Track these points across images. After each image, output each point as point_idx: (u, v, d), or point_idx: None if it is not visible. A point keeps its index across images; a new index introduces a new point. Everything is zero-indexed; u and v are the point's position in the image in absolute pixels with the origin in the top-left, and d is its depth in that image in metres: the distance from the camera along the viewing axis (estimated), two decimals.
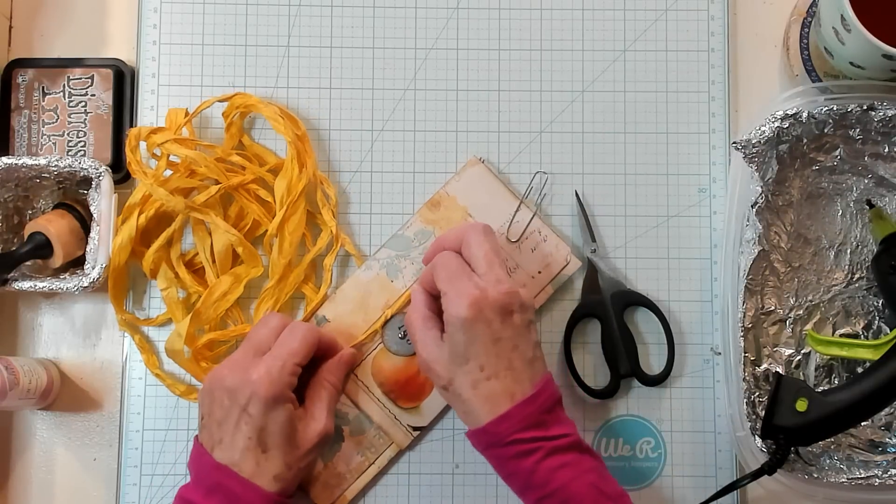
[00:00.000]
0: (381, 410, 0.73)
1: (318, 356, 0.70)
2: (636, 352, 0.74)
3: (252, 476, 0.63)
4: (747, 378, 0.72)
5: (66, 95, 0.76)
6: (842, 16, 0.67)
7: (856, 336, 0.74)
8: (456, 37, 0.78)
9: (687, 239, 0.76)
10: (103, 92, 0.76)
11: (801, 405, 0.67)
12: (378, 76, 0.77)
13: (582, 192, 0.76)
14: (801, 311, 0.74)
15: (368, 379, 0.74)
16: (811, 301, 0.75)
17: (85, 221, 0.73)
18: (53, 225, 0.71)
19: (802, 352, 0.74)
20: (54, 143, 0.76)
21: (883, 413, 0.72)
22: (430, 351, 0.65)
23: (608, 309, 0.74)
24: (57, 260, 0.72)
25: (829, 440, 0.72)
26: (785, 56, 0.78)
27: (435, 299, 0.67)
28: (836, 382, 0.74)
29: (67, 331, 0.76)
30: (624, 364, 0.74)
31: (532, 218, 0.75)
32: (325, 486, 0.72)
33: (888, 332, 0.73)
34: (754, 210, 0.71)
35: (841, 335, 0.74)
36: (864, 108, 0.71)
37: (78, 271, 0.73)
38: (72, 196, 0.75)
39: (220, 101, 0.75)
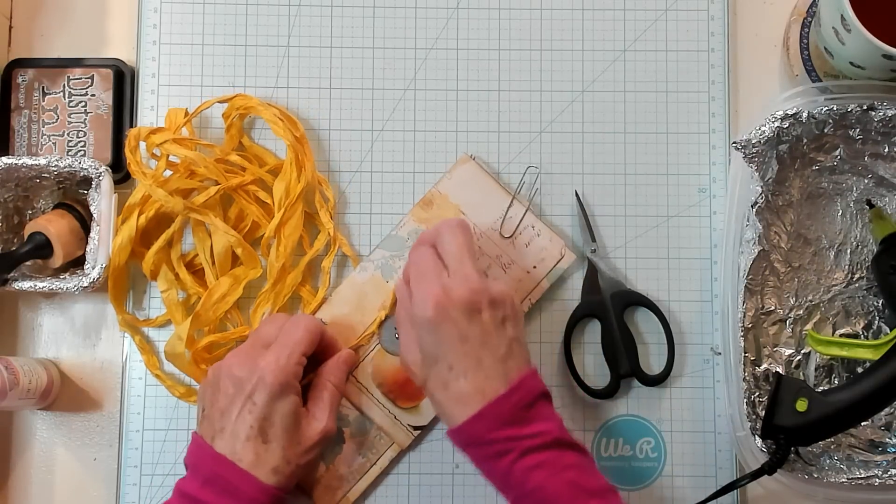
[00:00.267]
0: (381, 411, 0.73)
1: (319, 357, 0.70)
2: (636, 352, 0.74)
3: (251, 467, 0.63)
4: (747, 378, 0.72)
5: (66, 95, 0.76)
6: (842, 16, 0.67)
7: (856, 336, 0.74)
8: (456, 37, 0.78)
9: (687, 239, 0.76)
10: (103, 92, 0.76)
11: (801, 405, 0.67)
12: (378, 76, 0.77)
13: (582, 192, 0.76)
14: (801, 311, 0.74)
15: (367, 380, 0.74)
16: (811, 301, 0.75)
17: (85, 221, 0.73)
18: (53, 225, 0.71)
19: (802, 352, 0.74)
20: (54, 143, 0.76)
21: (883, 413, 0.72)
22: (409, 352, 0.65)
23: (608, 309, 0.74)
24: (57, 260, 0.72)
25: (829, 440, 0.72)
26: (785, 56, 0.78)
27: None
28: (836, 382, 0.74)
29: (67, 331, 0.76)
30: (624, 364, 0.74)
31: (525, 213, 0.75)
32: (327, 489, 0.72)
33: (888, 332, 0.73)
34: (754, 210, 0.71)
35: (841, 335, 0.74)
36: (864, 108, 0.71)
37: (78, 271, 0.73)
38: (72, 196, 0.75)
39: (220, 102, 0.75)
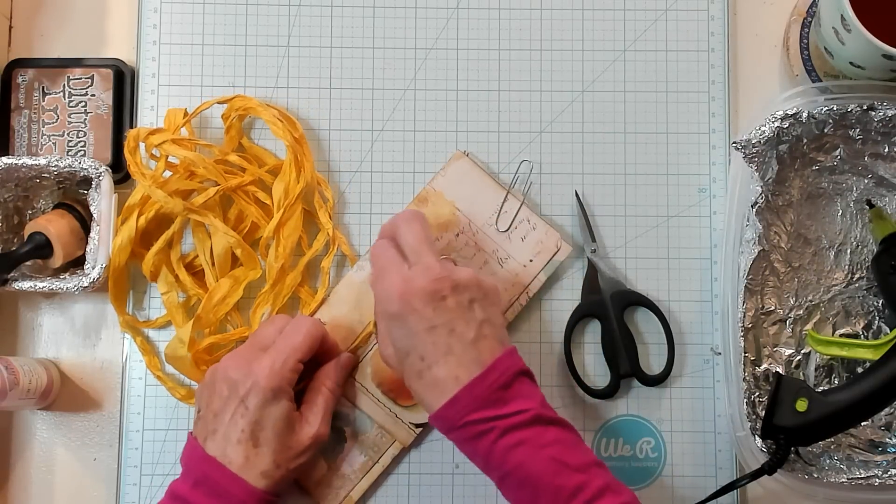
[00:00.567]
0: (381, 410, 0.73)
1: (318, 359, 0.70)
2: (636, 352, 0.74)
3: (240, 470, 0.63)
4: (747, 378, 0.72)
5: (66, 95, 0.76)
6: (842, 16, 0.67)
7: (856, 336, 0.74)
8: (456, 37, 0.78)
9: (687, 239, 0.76)
10: (103, 92, 0.76)
11: (801, 405, 0.67)
12: (378, 76, 0.77)
13: (582, 192, 0.76)
14: (801, 311, 0.74)
15: (367, 380, 0.74)
16: (811, 301, 0.75)
17: (85, 221, 0.73)
18: (53, 225, 0.71)
19: (802, 352, 0.74)
20: (54, 143, 0.76)
21: (883, 413, 0.72)
22: (385, 346, 0.66)
23: (608, 309, 0.74)
24: (57, 260, 0.72)
25: (829, 440, 0.72)
26: (785, 56, 0.78)
27: None
28: (836, 382, 0.74)
29: (67, 331, 0.76)
30: (624, 364, 0.74)
31: (520, 207, 0.75)
32: (329, 488, 0.72)
33: (888, 332, 0.73)
34: (754, 210, 0.71)
35: (841, 335, 0.74)
36: (864, 108, 0.71)
37: (78, 271, 0.73)
38: (72, 196, 0.75)
39: (219, 102, 0.74)
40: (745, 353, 0.71)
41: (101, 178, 0.72)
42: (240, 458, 0.64)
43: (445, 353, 0.62)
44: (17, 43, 0.78)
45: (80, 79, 0.76)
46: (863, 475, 0.70)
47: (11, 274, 0.71)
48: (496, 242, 0.75)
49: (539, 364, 0.75)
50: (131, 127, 0.76)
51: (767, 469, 0.68)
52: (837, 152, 0.74)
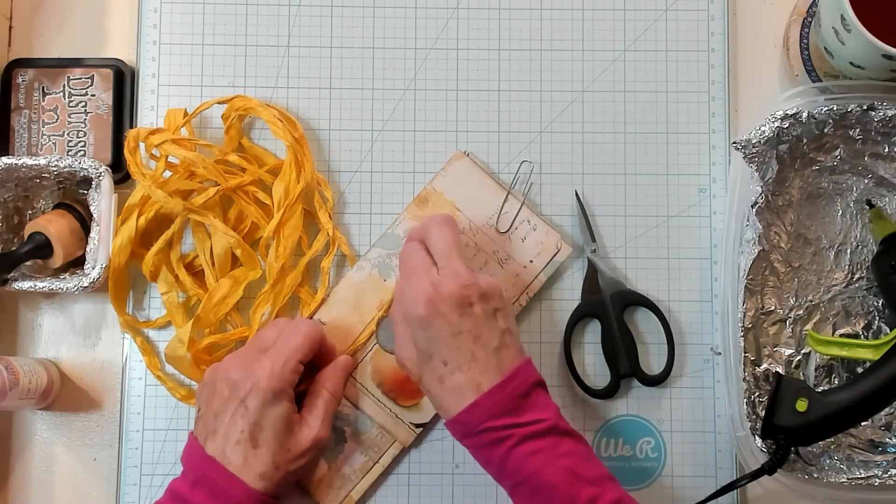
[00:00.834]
0: (381, 410, 0.73)
1: (317, 362, 0.70)
2: (636, 352, 0.74)
3: (238, 471, 0.63)
4: (747, 378, 0.72)
5: (66, 95, 0.76)
6: (842, 16, 0.67)
7: (856, 336, 0.74)
8: (456, 37, 0.78)
9: (687, 239, 0.76)
10: (103, 92, 0.76)
11: (801, 405, 0.67)
12: (378, 76, 0.77)
13: (582, 192, 0.76)
14: (801, 311, 0.74)
15: (367, 380, 0.74)
16: (811, 301, 0.75)
17: (85, 221, 0.73)
18: (53, 225, 0.71)
19: (802, 352, 0.74)
20: (54, 143, 0.76)
21: (883, 413, 0.72)
22: (404, 349, 0.66)
23: (608, 309, 0.74)
24: (57, 260, 0.72)
25: (829, 440, 0.72)
26: (785, 56, 0.78)
27: None
28: (836, 382, 0.74)
29: (67, 331, 0.76)
30: (624, 364, 0.74)
31: (520, 208, 0.75)
32: (330, 488, 0.72)
33: (888, 332, 0.73)
34: (754, 210, 0.71)
35: (841, 335, 0.74)
36: (864, 108, 0.71)
37: (78, 271, 0.73)
38: (72, 196, 0.75)
39: (219, 103, 0.74)
40: (745, 353, 0.71)
41: (101, 178, 0.72)
42: (238, 458, 0.64)
43: (469, 359, 0.63)
44: (17, 43, 0.78)
45: (80, 79, 0.76)
46: (863, 475, 0.70)
47: (11, 274, 0.71)
48: (496, 243, 0.75)
49: (539, 364, 0.75)
50: (131, 127, 0.76)
51: (767, 469, 0.68)
52: (837, 152, 0.74)
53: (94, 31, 0.78)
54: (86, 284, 0.71)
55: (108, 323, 0.76)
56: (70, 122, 0.76)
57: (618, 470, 0.74)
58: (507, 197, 0.75)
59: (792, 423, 0.67)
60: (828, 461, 0.71)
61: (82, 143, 0.76)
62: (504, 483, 0.63)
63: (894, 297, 0.71)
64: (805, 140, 0.73)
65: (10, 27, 0.78)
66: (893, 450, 0.73)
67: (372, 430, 0.73)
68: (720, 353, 0.73)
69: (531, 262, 0.75)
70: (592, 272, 0.75)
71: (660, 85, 0.77)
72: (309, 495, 0.72)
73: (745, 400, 0.71)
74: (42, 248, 0.71)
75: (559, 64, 0.78)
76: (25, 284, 0.71)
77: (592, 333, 0.76)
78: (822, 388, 0.74)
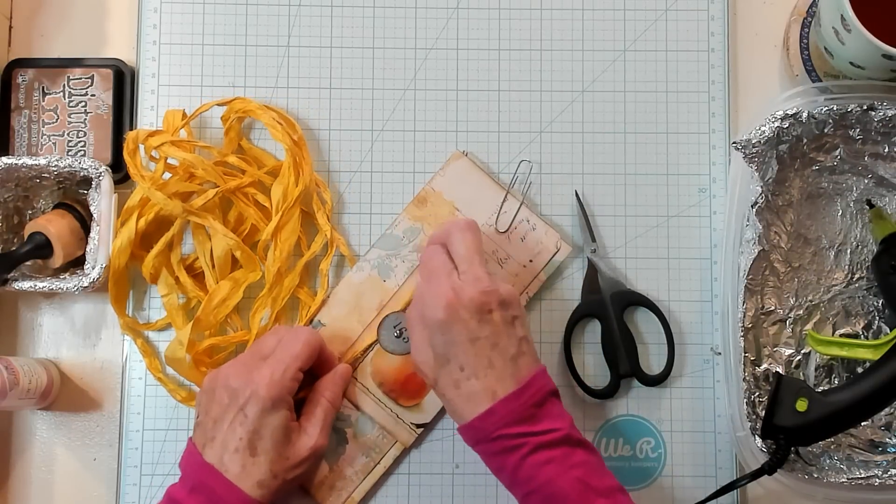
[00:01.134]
0: (383, 411, 0.73)
1: (316, 371, 0.70)
2: (636, 352, 0.74)
3: (236, 478, 0.63)
4: (747, 378, 0.72)
5: (66, 95, 0.76)
6: (842, 16, 0.67)
7: (856, 336, 0.74)
8: (456, 37, 0.78)
9: (687, 239, 0.76)
10: (103, 92, 0.76)
11: (801, 405, 0.67)
12: (378, 76, 0.77)
13: (582, 192, 0.76)
14: (801, 311, 0.74)
15: (368, 380, 0.74)
16: (811, 301, 0.75)
17: (85, 221, 0.73)
18: (53, 225, 0.71)
19: (802, 352, 0.74)
20: (54, 143, 0.76)
21: (883, 413, 0.72)
22: (420, 352, 0.66)
23: (608, 309, 0.74)
24: (57, 260, 0.72)
25: (829, 440, 0.72)
26: (785, 56, 0.78)
27: None
28: (836, 382, 0.74)
29: (67, 331, 0.76)
30: (624, 364, 0.74)
31: (519, 207, 0.75)
32: (332, 490, 0.72)
33: (888, 332, 0.73)
34: (754, 210, 0.71)
35: (841, 335, 0.74)
36: (864, 108, 0.71)
37: (78, 271, 0.73)
38: (72, 196, 0.75)
39: (218, 105, 0.74)
40: (745, 353, 0.71)
41: (101, 178, 0.72)
42: (236, 466, 0.64)
43: (487, 366, 0.63)
44: (17, 43, 0.78)
45: (80, 79, 0.76)
46: (863, 475, 0.70)
47: (11, 274, 0.71)
48: (496, 243, 0.75)
49: None
50: (131, 127, 0.76)
51: (767, 469, 0.68)
52: (837, 152, 0.74)
53: (94, 31, 0.78)
54: (86, 284, 0.71)
55: (108, 323, 0.76)
56: (70, 122, 0.76)
57: (618, 470, 0.74)
58: (506, 196, 0.75)
59: (792, 423, 0.67)
60: (828, 461, 0.71)
61: (82, 143, 0.76)
62: (516, 491, 0.63)
63: (894, 297, 0.72)
64: (805, 140, 0.73)
65: (10, 27, 0.78)
66: (893, 450, 0.73)
67: (373, 430, 0.73)
68: (720, 353, 0.73)
69: (530, 261, 0.75)
70: (592, 272, 0.75)
71: (660, 85, 0.77)
72: (310, 497, 0.72)
73: (745, 400, 0.71)
74: (42, 248, 0.71)
75: (559, 64, 0.77)
76: (25, 284, 0.71)
77: (592, 333, 0.76)
78: (822, 388, 0.74)
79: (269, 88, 0.77)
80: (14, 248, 0.72)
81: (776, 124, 0.71)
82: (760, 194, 0.71)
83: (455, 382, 0.63)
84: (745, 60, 0.79)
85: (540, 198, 0.76)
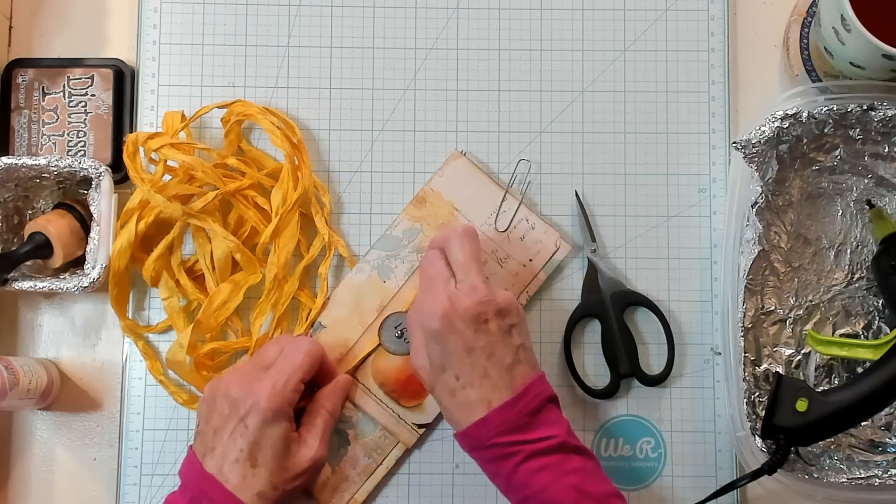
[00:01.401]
0: (384, 411, 0.73)
1: (316, 381, 0.70)
2: (636, 352, 0.74)
3: (236, 489, 0.63)
4: (747, 378, 0.72)
5: (66, 95, 0.76)
6: (842, 16, 0.67)
7: (856, 336, 0.74)
8: (456, 37, 0.78)
9: (687, 239, 0.76)
10: (103, 92, 0.76)
11: (801, 405, 0.67)
12: (378, 76, 0.77)
13: (582, 192, 0.76)
14: (801, 311, 0.74)
15: (369, 381, 0.74)
16: (811, 301, 0.75)
17: (85, 221, 0.73)
18: (53, 225, 0.71)
19: (802, 352, 0.74)
20: (54, 143, 0.76)
21: (883, 413, 0.72)
22: (419, 358, 0.66)
23: (608, 309, 0.74)
24: (57, 260, 0.72)
25: (829, 440, 0.72)
26: (785, 56, 0.78)
27: None
28: (836, 382, 0.74)
29: (67, 331, 0.76)
30: (624, 364, 0.74)
31: (518, 206, 0.75)
32: (334, 491, 0.72)
33: (888, 332, 0.73)
34: (754, 210, 0.71)
35: (841, 335, 0.74)
36: (864, 108, 0.71)
37: (78, 271, 0.73)
38: (72, 196, 0.75)
39: (218, 107, 0.74)
40: (745, 353, 0.71)
41: (101, 178, 0.72)
42: (236, 477, 0.64)
43: (482, 376, 0.63)
44: (17, 43, 0.78)
45: (80, 79, 0.76)
46: (863, 475, 0.70)
47: (11, 274, 0.71)
48: (495, 242, 0.75)
49: (539, 364, 0.75)
50: (131, 127, 0.76)
51: (767, 469, 0.68)
52: (837, 152, 0.74)
53: (94, 31, 0.78)
54: (86, 284, 0.71)
55: (108, 323, 0.76)
56: (70, 122, 0.76)
57: (618, 470, 0.74)
58: (504, 196, 0.75)
59: (792, 423, 0.67)
60: (828, 461, 0.71)
61: (82, 143, 0.76)
62: (511, 497, 0.63)
63: (894, 297, 0.71)
64: (805, 140, 0.73)
65: (10, 27, 0.78)
66: (893, 450, 0.73)
67: (375, 431, 0.73)
68: (720, 353, 0.73)
69: (530, 260, 0.75)
70: (592, 272, 0.75)
71: (660, 85, 0.77)
72: (314, 500, 0.72)
73: (745, 400, 0.71)
74: (42, 248, 0.71)
75: (559, 64, 0.77)
76: (25, 284, 0.71)
77: (592, 333, 0.76)
78: (822, 388, 0.74)
79: (268, 88, 0.77)
80: (14, 248, 0.72)
81: (776, 124, 0.71)
82: (760, 194, 0.71)
83: (451, 391, 0.63)
84: (745, 60, 0.79)
85: (540, 198, 0.76)
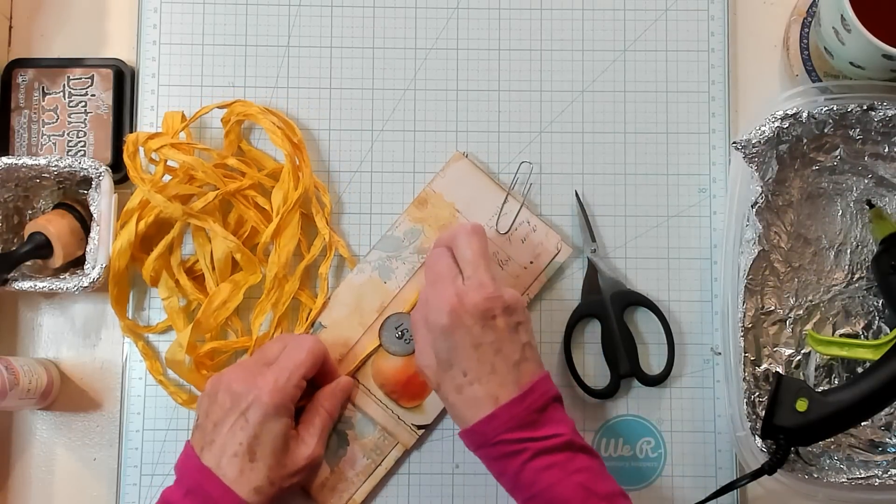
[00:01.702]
0: (384, 412, 0.73)
1: (317, 380, 0.71)
2: (636, 352, 0.74)
3: (233, 483, 0.63)
4: (747, 378, 0.72)
5: (66, 95, 0.76)
6: (842, 16, 0.67)
7: (856, 336, 0.74)
8: (456, 37, 0.78)
9: (687, 239, 0.76)
10: (103, 92, 0.76)
11: (801, 405, 0.67)
12: (378, 76, 0.77)
13: (582, 192, 0.76)
14: (801, 311, 0.74)
15: (369, 381, 0.74)
16: (811, 301, 0.75)
17: (85, 221, 0.73)
18: (53, 225, 0.71)
19: (802, 352, 0.74)
20: (54, 143, 0.76)
21: (883, 413, 0.72)
22: (423, 356, 0.66)
23: (608, 309, 0.74)
24: (57, 260, 0.72)
25: (829, 440, 0.72)
26: (785, 56, 0.78)
27: None
28: (836, 382, 0.74)
29: (67, 331, 0.76)
30: (624, 364, 0.74)
31: (520, 209, 0.75)
32: (333, 491, 0.72)
33: (888, 332, 0.73)
34: (754, 210, 0.71)
35: (841, 335, 0.74)
36: (864, 108, 0.71)
37: (78, 271, 0.73)
38: (72, 196, 0.75)
39: (218, 108, 0.74)
40: (745, 353, 0.71)
41: (101, 178, 0.72)
42: (234, 471, 0.64)
43: (489, 372, 0.63)
44: (17, 43, 0.78)
45: (80, 79, 0.76)
46: (863, 475, 0.70)
47: (11, 274, 0.71)
48: (496, 244, 0.75)
49: None
50: (131, 127, 0.76)
51: (767, 469, 0.68)
52: (837, 152, 0.74)
53: (94, 31, 0.78)
54: (86, 284, 0.71)
55: (108, 323, 0.76)
56: (70, 122, 0.76)
57: (618, 470, 0.74)
58: (506, 198, 0.75)
59: (792, 423, 0.67)
60: (828, 461, 0.72)
61: (82, 143, 0.76)
62: (517, 496, 0.63)
63: (894, 297, 0.71)
64: (805, 140, 0.73)
65: (10, 27, 0.78)
66: (893, 450, 0.73)
67: (374, 432, 0.73)
68: (720, 353, 0.73)
69: (531, 262, 0.75)
70: (592, 272, 0.75)
71: (660, 85, 0.77)
72: (312, 499, 0.72)
73: (745, 400, 0.71)
74: (42, 248, 0.71)
75: (559, 64, 0.77)
76: (25, 284, 0.71)
77: (592, 333, 0.76)
78: (822, 388, 0.74)
79: (269, 88, 0.77)
80: (14, 248, 0.72)
81: (776, 124, 0.71)
82: (760, 194, 0.71)
83: (458, 387, 0.63)
84: (745, 60, 0.79)
85: (540, 198, 0.76)
